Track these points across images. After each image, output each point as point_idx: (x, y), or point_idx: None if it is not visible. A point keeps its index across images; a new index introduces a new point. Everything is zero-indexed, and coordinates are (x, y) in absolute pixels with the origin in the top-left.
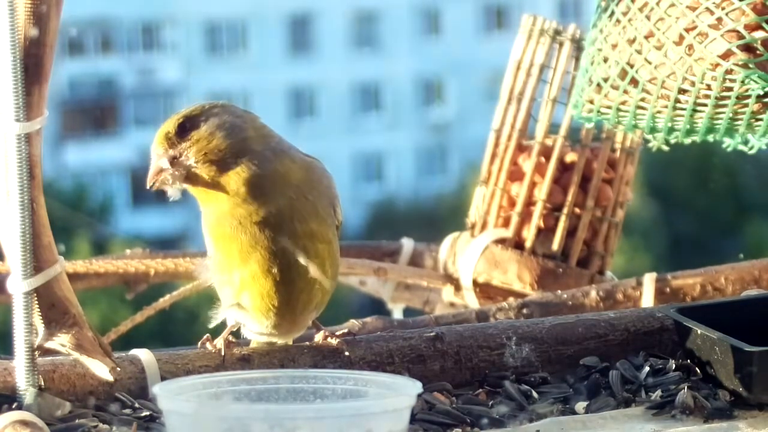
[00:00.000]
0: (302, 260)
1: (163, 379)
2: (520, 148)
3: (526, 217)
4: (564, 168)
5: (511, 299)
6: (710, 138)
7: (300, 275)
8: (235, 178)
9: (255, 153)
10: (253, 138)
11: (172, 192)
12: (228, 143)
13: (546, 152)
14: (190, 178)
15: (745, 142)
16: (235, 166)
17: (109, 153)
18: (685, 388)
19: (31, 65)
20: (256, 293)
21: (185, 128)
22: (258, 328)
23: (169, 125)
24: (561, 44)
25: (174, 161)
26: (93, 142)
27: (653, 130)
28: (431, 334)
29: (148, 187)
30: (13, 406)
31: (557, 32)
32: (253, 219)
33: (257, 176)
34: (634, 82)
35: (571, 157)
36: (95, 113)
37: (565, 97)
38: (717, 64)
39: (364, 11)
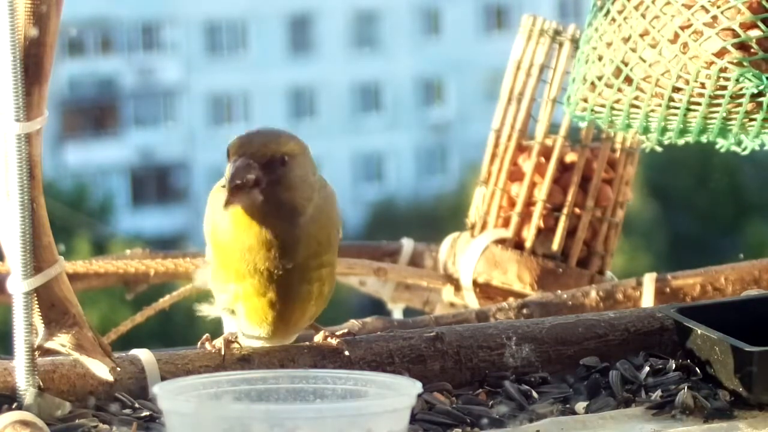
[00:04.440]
0: (304, 287)
1: (163, 379)
2: (520, 149)
3: (526, 217)
4: (564, 168)
5: (511, 299)
6: (703, 139)
7: (297, 297)
8: (272, 221)
9: (301, 207)
10: (310, 197)
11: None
12: (297, 202)
13: (546, 152)
14: (255, 202)
15: (738, 143)
16: (292, 215)
17: (109, 153)
18: (685, 388)
19: (31, 65)
20: (249, 308)
21: (276, 162)
22: (251, 333)
23: (275, 149)
24: (561, 44)
25: (259, 184)
26: (93, 142)
27: (646, 130)
28: (431, 334)
29: (231, 190)
30: (13, 406)
31: (557, 32)
32: (265, 251)
33: (289, 228)
34: (628, 80)
35: (571, 157)
36: (95, 113)
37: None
38: (711, 62)
39: (364, 11)
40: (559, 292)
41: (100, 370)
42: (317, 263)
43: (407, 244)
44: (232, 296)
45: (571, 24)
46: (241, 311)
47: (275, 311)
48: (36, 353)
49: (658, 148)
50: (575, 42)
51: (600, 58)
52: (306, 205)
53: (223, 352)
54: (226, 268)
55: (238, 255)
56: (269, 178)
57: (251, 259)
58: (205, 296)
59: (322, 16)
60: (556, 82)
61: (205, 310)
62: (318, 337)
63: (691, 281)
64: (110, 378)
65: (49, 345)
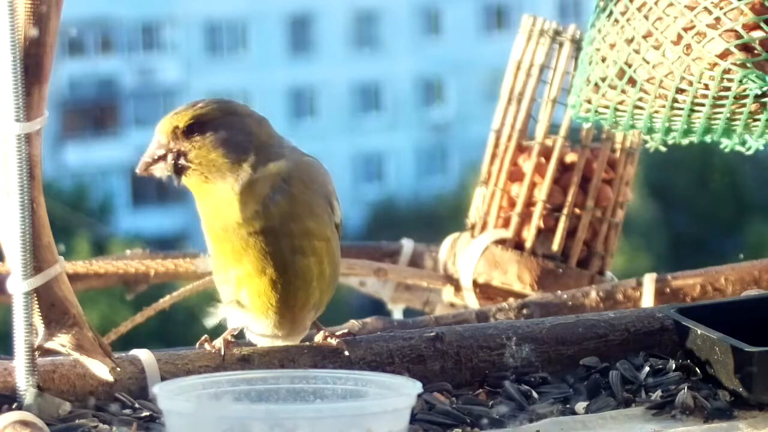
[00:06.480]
0: (298, 259)
1: (163, 379)
2: (520, 149)
3: (526, 217)
4: (564, 168)
5: (511, 300)
6: (708, 138)
7: (297, 274)
8: (227, 187)
9: (252, 162)
10: (253, 151)
11: (164, 177)
12: (224, 162)
13: (546, 153)
14: (183, 175)
15: (743, 143)
16: (229, 176)
17: (109, 153)
18: (685, 388)
19: (31, 65)
20: (253, 291)
21: (192, 130)
22: (260, 329)
23: (180, 119)
24: (561, 44)
25: (172, 155)
26: (93, 142)
27: (651, 130)
28: (431, 334)
29: (138, 172)
30: (13, 406)
31: (557, 33)
32: (244, 222)
33: (249, 185)
34: (631, 81)
35: (571, 157)
36: (95, 113)
37: (565, 97)
38: (715, 64)
39: (364, 11)
40: (559, 292)
41: (100, 370)
42: (301, 228)
43: (407, 244)
44: (234, 284)
45: (571, 24)
46: (246, 299)
47: (278, 292)
48: (36, 353)
49: (663, 148)
50: (575, 42)
51: (603, 60)
52: (237, 163)
53: (222, 352)
54: (222, 249)
55: (219, 224)
56: (179, 148)
57: (229, 224)
58: (205, 296)
59: (322, 16)
60: (556, 82)
61: (210, 317)
62: (318, 337)
63: (691, 281)
64: (110, 378)
65: (49, 345)
